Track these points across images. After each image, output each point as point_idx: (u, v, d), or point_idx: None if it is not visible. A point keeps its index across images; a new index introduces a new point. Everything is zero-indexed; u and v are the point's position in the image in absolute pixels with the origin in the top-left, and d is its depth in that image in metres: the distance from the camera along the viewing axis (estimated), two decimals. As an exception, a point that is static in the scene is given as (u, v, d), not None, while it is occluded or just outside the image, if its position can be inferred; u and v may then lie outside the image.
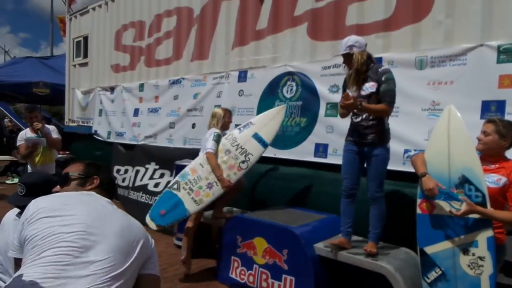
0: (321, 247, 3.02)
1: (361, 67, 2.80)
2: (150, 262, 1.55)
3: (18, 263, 1.47)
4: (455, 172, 2.30)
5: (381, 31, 3.63)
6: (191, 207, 3.53)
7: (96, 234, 1.39)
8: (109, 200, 1.62)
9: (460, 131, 2.37)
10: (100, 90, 7.51)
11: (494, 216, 2.19)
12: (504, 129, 2.27)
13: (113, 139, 7.01)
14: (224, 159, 3.61)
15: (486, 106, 2.97)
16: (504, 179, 2.23)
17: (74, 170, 1.71)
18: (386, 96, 2.73)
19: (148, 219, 3.58)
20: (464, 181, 2.29)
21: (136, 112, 6.58)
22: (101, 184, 1.69)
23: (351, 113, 2.91)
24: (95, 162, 1.81)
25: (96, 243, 1.37)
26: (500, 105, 2.91)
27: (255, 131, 3.68)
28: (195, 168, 3.67)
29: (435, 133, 2.48)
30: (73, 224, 1.38)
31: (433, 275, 2.36)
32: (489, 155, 2.33)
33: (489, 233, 2.20)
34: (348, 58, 2.87)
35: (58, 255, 1.30)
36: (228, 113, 3.86)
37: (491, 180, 2.25)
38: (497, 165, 2.29)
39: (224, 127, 3.80)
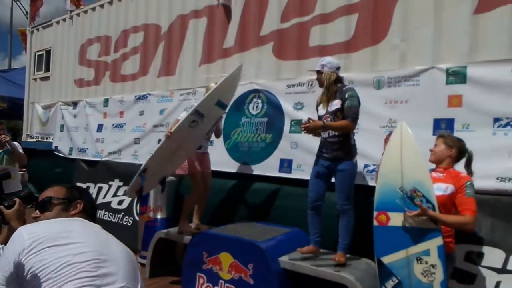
0: (286, 260, 3.07)
1: (330, 86, 3.01)
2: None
3: None
4: (407, 185, 2.44)
5: (342, 52, 3.82)
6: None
7: (109, 260, 1.36)
8: (98, 225, 1.57)
9: (412, 146, 2.52)
10: (62, 105, 7.31)
11: (443, 219, 2.35)
12: (451, 141, 2.58)
13: (75, 155, 6.80)
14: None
15: (437, 124, 3.19)
16: (451, 187, 2.43)
17: (56, 194, 1.62)
18: (349, 112, 2.91)
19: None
20: (414, 191, 2.44)
21: (100, 127, 6.45)
22: (84, 209, 1.62)
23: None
24: (75, 185, 1.77)
25: (111, 270, 1.34)
26: (449, 122, 3.13)
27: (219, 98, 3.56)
28: None
29: (389, 149, 2.62)
30: (85, 252, 1.33)
31: (390, 284, 2.46)
32: (440, 164, 2.57)
33: (439, 241, 2.34)
34: (319, 75, 3.09)
35: (81, 287, 1.26)
36: None
37: (439, 188, 2.43)
38: (445, 174, 2.51)
39: None
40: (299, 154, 3.96)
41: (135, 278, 1.41)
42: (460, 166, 2.60)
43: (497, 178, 2.85)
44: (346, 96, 2.93)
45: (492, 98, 2.98)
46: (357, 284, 2.68)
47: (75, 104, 7.04)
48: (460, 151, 2.57)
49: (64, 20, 7.54)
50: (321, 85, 3.11)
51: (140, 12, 5.97)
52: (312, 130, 2.93)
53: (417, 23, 3.40)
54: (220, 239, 3.37)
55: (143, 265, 4.25)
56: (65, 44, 7.47)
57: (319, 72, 3.08)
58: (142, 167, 3.62)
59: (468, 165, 2.59)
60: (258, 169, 4.26)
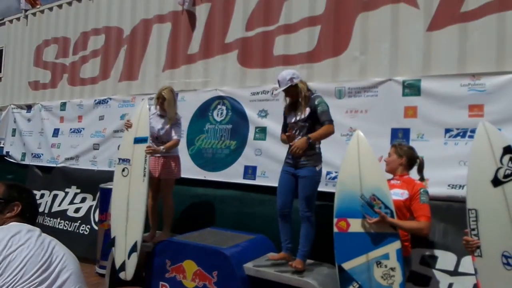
0: (250, 267, 3.08)
1: (307, 93, 3.01)
2: None
3: None
4: (366, 192, 2.55)
5: (305, 62, 3.93)
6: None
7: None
8: (37, 231, 1.47)
9: (368, 153, 2.65)
10: (15, 108, 6.93)
11: (400, 225, 2.48)
12: (401, 150, 2.75)
13: (28, 161, 6.46)
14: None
15: (394, 133, 3.36)
16: (406, 193, 2.58)
17: None
18: (323, 116, 2.94)
19: None
20: (374, 199, 2.55)
21: (56, 132, 6.18)
22: (22, 212, 1.50)
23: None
24: (17, 183, 1.59)
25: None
26: (406, 132, 3.31)
27: (134, 136, 3.60)
28: None
29: (347, 157, 2.71)
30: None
31: (351, 289, 2.55)
32: (394, 173, 2.73)
33: (398, 245, 2.47)
34: (291, 90, 3.02)
35: None
36: None
37: (396, 193, 2.58)
38: (400, 181, 2.67)
39: None
40: (263, 161, 4.01)
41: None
42: (414, 173, 2.76)
43: (449, 185, 3.04)
44: (316, 103, 2.96)
45: (443, 110, 3.19)
46: (319, 288, 2.75)
47: (29, 107, 6.70)
48: (410, 159, 2.74)
49: (18, 19, 7.18)
50: (295, 97, 3.03)
51: (101, 14, 5.81)
52: (300, 148, 2.85)
53: (375, 38, 3.58)
54: (184, 247, 3.34)
55: (102, 275, 4.11)
56: (19, 44, 7.10)
57: (291, 87, 3.00)
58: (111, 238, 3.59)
59: (420, 171, 2.76)
60: (222, 176, 4.27)
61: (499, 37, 3.06)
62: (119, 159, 3.64)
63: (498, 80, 3.01)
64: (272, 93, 4.05)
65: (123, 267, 3.45)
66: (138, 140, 3.54)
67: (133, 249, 3.42)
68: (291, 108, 3.09)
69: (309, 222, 2.96)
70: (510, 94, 2.95)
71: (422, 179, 2.73)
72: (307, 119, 2.98)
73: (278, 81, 3.05)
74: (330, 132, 2.97)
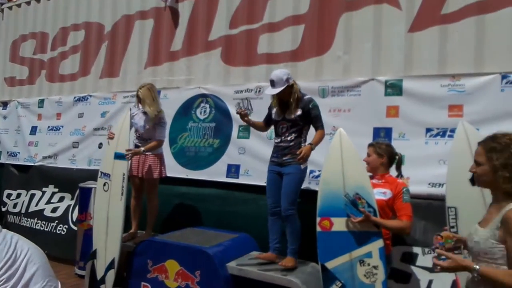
0: (233, 266, 3.07)
1: (299, 94, 3.03)
2: None
3: None
4: (350, 190, 2.58)
5: (289, 61, 3.93)
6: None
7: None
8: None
9: (351, 152, 2.67)
10: (-11, 105, 6.71)
11: (384, 224, 2.51)
12: (380, 149, 2.75)
13: (4, 159, 6.25)
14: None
15: (376, 132, 3.40)
16: (389, 192, 2.61)
17: None
18: (317, 121, 3.02)
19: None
20: (358, 198, 2.57)
21: (33, 130, 6.00)
22: None
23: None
24: None
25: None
26: (388, 131, 3.36)
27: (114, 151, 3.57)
28: None
29: (330, 155, 2.74)
30: None
31: (334, 288, 2.56)
32: (375, 172, 2.74)
33: (380, 243, 2.50)
34: (286, 91, 2.99)
35: None
36: None
37: (378, 193, 2.61)
38: (383, 181, 2.69)
39: None
40: (246, 159, 4.00)
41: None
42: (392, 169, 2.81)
43: (429, 184, 3.10)
44: (310, 106, 2.98)
45: (424, 110, 3.24)
46: (303, 287, 2.75)
47: (5, 104, 6.48)
48: (390, 157, 2.77)
49: (-6, 13, 6.94)
50: (286, 97, 3.00)
51: (81, 9, 5.67)
52: (308, 156, 2.91)
53: (358, 38, 3.61)
54: (166, 247, 3.30)
55: (81, 276, 4.03)
56: (-6, 38, 6.87)
57: (287, 87, 2.97)
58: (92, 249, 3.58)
59: (398, 168, 2.80)
60: (205, 175, 4.23)
61: (478, 39, 3.12)
62: (101, 172, 3.61)
63: (477, 81, 3.08)
64: (256, 91, 4.03)
65: (103, 280, 3.44)
66: (118, 156, 3.50)
67: (110, 266, 3.41)
68: (280, 106, 3.08)
69: (293, 220, 2.97)
70: (488, 95, 3.02)
71: (400, 175, 2.77)
72: (299, 120, 2.99)
73: (273, 81, 2.98)
74: (323, 136, 3.05)
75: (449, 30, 3.23)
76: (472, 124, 2.61)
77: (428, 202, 3.06)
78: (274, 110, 3.14)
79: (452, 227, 2.16)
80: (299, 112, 2.99)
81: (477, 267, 1.51)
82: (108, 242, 3.46)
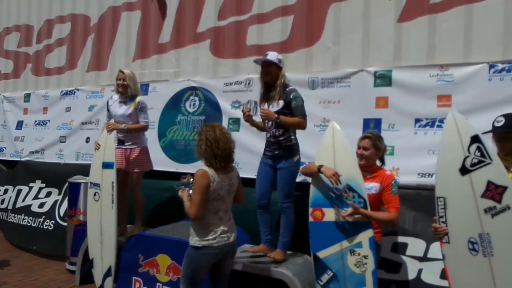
0: (224, 259, 3.06)
1: (284, 82, 2.98)
2: None
3: None
4: (341, 182, 2.57)
5: (279, 52, 3.85)
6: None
7: None
8: None
9: (343, 144, 2.66)
10: (-26, 99, 6.57)
11: (373, 216, 2.52)
12: (378, 142, 2.68)
13: (-11, 155, 6.17)
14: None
15: (366, 123, 3.40)
16: (379, 186, 2.60)
17: None
18: (297, 111, 2.92)
19: None
20: (349, 189, 2.58)
21: (19, 124, 5.91)
22: None
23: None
24: None
25: None
26: (377, 122, 3.36)
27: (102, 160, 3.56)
28: None
29: (322, 148, 2.73)
30: None
31: (325, 277, 2.57)
32: (368, 166, 2.67)
33: (370, 233, 2.52)
34: (273, 68, 2.96)
35: None
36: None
37: (369, 187, 2.60)
38: (373, 174, 2.66)
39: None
40: (237, 152, 3.91)
41: None
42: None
43: (418, 174, 3.12)
44: (291, 96, 2.93)
45: (413, 100, 3.25)
46: (294, 278, 2.76)
47: (-11, 98, 6.37)
48: (384, 150, 2.75)
49: (-24, 4, 6.76)
50: (270, 79, 2.98)
51: (67, 1, 5.56)
52: (266, 117, 2.88)
53: (347, 28, 3.60)
54: (157, 241, 3.27)
55: (72, 272, 3.99)
56: (-23, 31, 6.71)
57: (274, 65, 2.95)
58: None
59: (382, 158, 2.77)
60: (195, 168, 4.07)
61: (466, 29, 3.13)
62: (91, 183, 3.61)
63: (465, 71, 3.10)
64: (246, 84, 4.01)
65: None
66: (105, 165, 3.50)
67: (108, 273, 3.42)
68: (264, 97, 3.07)
69: (289, 213, 2.97)
70: (476, 85, 3.04)
71: (383, 163, 2.75)
72: (281, 111, 2.94)
73: (267, 54, 3.00)
74: (300, 125, 2.96)
75: (438, 19, 3.23)
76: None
77: (417, 192, 3.08)
78: (264, 103, 3.08)
79: (441, 216, 2.17)
80: (281, 104, 2.95)
81: None
82: (103, 251, 3.48)
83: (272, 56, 2.99)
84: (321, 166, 2.60)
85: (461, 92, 3.09)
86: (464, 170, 2.14)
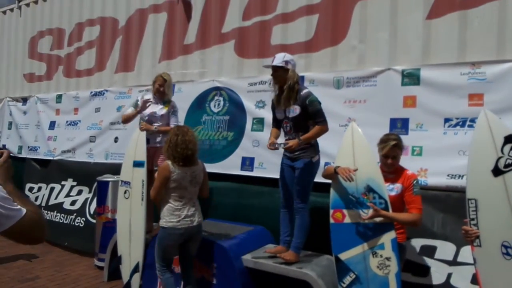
0: (248, 258, 3.07)
1: (294, 85, 2.88)
2: None
3: None
4: (361, 182, 2.54)
5: (303, 52, 3.88)
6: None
7: None
8: None
9: (363, 145, 2.61)
10: (10, 101, 6.87)
11: (395, 218, 2.47)
12: (401, 143, 2.61)
13: (25, 154, 6.42)
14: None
15: (393, 123, 3.32)
16: (400, 186, 2.54)
17: None
18: (317, 117, 2.85)
19: None
20: (369, 190, 2.53)
21: (52, 125, 6.13)
22: None
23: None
24: None
25: None
26: (405, 122, 3.28)
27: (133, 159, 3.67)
28: None
29: (342, 148, 2.70)
30: None
31: (348, 279, 2.54)
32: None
33: (392, 235, 2.46)
34: (280, 72, 2.91)
35: None
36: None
37: (391, 188, 2.55)
38: (394, 175, 2.59)
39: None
40: (261, 152, 3.97)
41: None
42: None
43: (448, 175, 3.02)
44: (307, 102, 2.84)
45: (443, 99, 3.14)
46: (318, 280, 2.74)
47: (24, 100, 6.64)
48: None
49: (12, 10, 7.07)
50: (280, 83, 2.93)
51: (96, 4, 5.73)
52: (293, 150, 2.86)
53: (374, 26, 3.52)
54: (182, 239, 3.32)
55: (101, 268, 4.10)
56: (13, 36, 7.02)
57: (280, 68, 2.89)
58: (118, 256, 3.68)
59: None
60: (219, 168, 4.23)
61: (499, 25, 3.00)
62: (121, 181, 3.72)
63: (499, 69, 2.97)
64: (270, 83, 3.98)
65: (129, 284, 3.51)
66: (136, 164, 3.60)
67: (135, 269, 3.49)
68: (278, 100, 2.99)
69: (303, 214, 2.93)
70: (510, 83, 2.91)
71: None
72: (300, 118, 2.89)
73: (274, 58, 2.97)
74: (323, 132, 2.90)
75: (469, 15, 3.11)
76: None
77: (447, 194, 2.98)
78: (278, 109, 3.03)
79: (472, 219, 2.10)
80: (298, 110, 2.87)
81: None
82: (131, 248, 3.56)
83: (278, 59, 2.91)
84: (337, 167, 2.57)
85: (494, 91, 2.96)
86: (497, 171, 2.06)
